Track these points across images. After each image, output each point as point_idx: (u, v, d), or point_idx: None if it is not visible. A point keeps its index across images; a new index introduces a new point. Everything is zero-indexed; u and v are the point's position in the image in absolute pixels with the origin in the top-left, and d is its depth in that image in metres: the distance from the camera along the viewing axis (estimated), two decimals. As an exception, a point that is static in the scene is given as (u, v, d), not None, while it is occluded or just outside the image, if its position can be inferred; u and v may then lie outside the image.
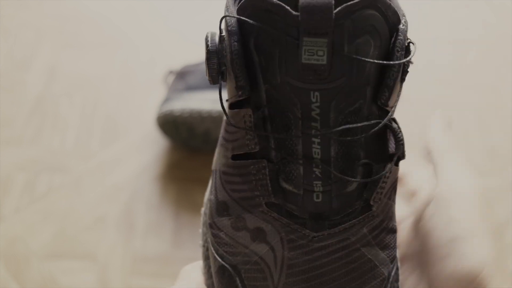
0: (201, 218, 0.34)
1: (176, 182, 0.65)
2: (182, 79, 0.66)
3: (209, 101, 0.63)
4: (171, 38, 0.81)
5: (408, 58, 0.27)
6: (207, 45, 0.29)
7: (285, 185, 0.28)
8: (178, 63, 0.75)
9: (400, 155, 0.28)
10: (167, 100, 0.65)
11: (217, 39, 0.29)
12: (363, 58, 0.26)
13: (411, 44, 0.28)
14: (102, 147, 0.68)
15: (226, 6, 0.28)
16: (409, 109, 0.72)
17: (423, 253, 0.29)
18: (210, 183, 0.33)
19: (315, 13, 0.24)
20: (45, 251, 0.59)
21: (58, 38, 0.80)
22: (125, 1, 0.85)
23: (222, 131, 0.31)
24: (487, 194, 0.65)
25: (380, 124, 0.27)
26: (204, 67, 0.67)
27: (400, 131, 0.28)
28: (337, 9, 0.25)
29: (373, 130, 0.27)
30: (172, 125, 0.63)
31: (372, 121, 0.27)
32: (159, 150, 0.67)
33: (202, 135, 0.64)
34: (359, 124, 0.27)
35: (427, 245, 0.28)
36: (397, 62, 0.27)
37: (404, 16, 0.27)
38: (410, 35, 0.81)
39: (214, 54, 0.28)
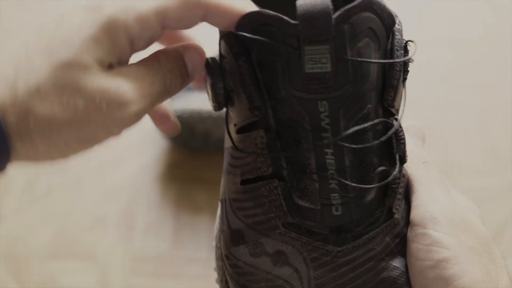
0: (214, 253, 0.32)
1: (176, 182, 0.65)
2: (182, 79, 0.66)
3: (209, 101, 0.63)
4: (171, 38, 0.80)
5: (409, 56, 0.27)
6: (210, 71, 0.28)
7: (300, 202, 0.27)
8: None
9: (401, 154, 0.28)
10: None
11: (219, 62, 0.28)
12: (367, 60, 0.25)
13: (409, 43, 0.27)
14: (102, 147, 0.68)
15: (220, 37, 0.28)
16: (409, 109, 0.72)
17: (411, 277, 0.28)
18: (218, 214, 0.32)
19: (315, 20, 0.24)
20: (45, 251, 0.59)
21: (58, 38, 0.80)
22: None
23: (227, 158, 0.30)
24: (487, 194, 0.65)
25: (393, 129, 0.26)
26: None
27: (402, 130, 0.28)
28: (336, 14, 0.24)
29: (388, 134, 0.27)
30: (172, 125, 0.63)
31: (376, 120, 0.26)
32: (159, 150, 0.67)
33: (202, 135, 0.64)
34: (367, 124, 0.26)
35: (412, 270, 0.27)
36: (400, 60, 0.26)
37: (397, 16, 0.27)
38: (410, 35, 0.81)
39: (219, 79, 0.27)
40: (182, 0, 0.26)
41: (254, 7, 0.27)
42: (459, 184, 0.66)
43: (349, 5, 0.25)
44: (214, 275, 0.33)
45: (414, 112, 0.72)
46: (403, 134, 0.28)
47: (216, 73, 0.28)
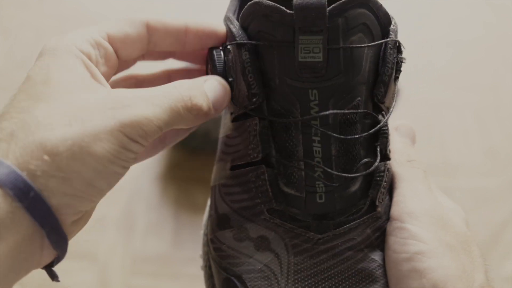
0: (202, 240, 0.33)
1: (176, 182, 0.65)
2: (182, 79, 0.66)
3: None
4: (171, 38, 0.81)
5: (397, 38, 0.28)
6: (213, 60, 0.29)
7: (286, 189, 0.28)
8: (178, 63, 0.75)
9: (382, 148, 0.28)
10: (167, 100, 0.65)
11: (222, 53, 0.29)
12: (357, 46, 0.26)
13: (402, 45, 0.28)
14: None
15: (228, 19, 0.29)
16: (409, 110, 0.72)
17: (387, 269, 0.28)
18: (208, 202, 0.33)
19: (309, 11, 0.25)
20: (45, 251, 0.59)
21: (58, 38, 0.80)
22: (125, 1, 0.85)
23: (220, 147, 0.31)
24: (486, 194, 0.65)
25: (381, 123, 0.27)
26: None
27: (387, 126, 0.28)
28: (331, 7, 0.25)
29: (375, 128, 0.27)
30: (172, 125, 0.63)
31: (360, 110, 0.27)
32: (159, 150, 0.68)
33: (202, 135, 0.64)
34: (349, 111, 0.27)
35: (389, 262, 0.28)
36: (390, 39, 0.27)
37: (393, 18, 0.28)
38: (410, 35, 0.81)
39: (221, 67, 0.29)
40: (122, 18, 0.27)
41: (198, 24, 0.29)
42: (458, 185, 0.66)
43: (345, 0, 0.25)
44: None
45: (414, 112, 0.72)
46: (387, 130, 0.28)
47: (217, 61, 0.29)
